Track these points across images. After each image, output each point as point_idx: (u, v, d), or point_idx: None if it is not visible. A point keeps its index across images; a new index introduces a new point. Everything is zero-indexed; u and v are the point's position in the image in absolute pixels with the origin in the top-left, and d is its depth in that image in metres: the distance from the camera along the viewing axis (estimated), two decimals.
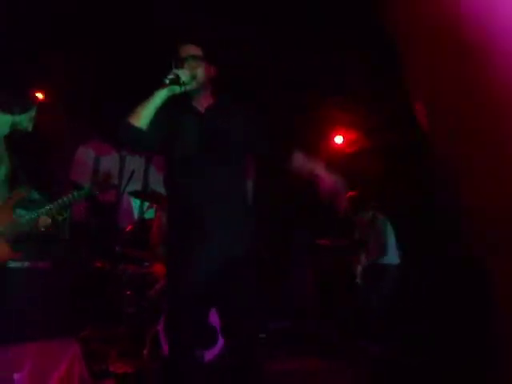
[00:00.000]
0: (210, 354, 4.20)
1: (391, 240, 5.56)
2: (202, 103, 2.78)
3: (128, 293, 4.82)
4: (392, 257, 5.52)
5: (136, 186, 7.07)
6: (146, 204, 6.36)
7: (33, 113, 2.72)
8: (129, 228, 5.57)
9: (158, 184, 7.45)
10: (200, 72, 2.68)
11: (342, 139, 7.15)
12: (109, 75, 6.06)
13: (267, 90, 5.97)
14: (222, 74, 2.80)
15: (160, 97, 2.60)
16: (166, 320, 3.16)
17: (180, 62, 2.63)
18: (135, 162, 7.21)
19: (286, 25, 4.99)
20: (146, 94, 2.59)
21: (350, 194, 5.40)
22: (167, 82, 2.58)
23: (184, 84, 2.61)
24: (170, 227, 2.76)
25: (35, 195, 4.72)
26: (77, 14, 5.03)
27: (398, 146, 6.17)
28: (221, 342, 4.29)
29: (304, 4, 4.72)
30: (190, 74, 2.63)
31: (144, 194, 6.14)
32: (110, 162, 7.24)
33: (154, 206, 5.96)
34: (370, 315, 5.42)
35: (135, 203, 7.08)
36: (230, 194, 2.66)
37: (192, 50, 2.70)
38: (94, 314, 4.62)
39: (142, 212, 6.55)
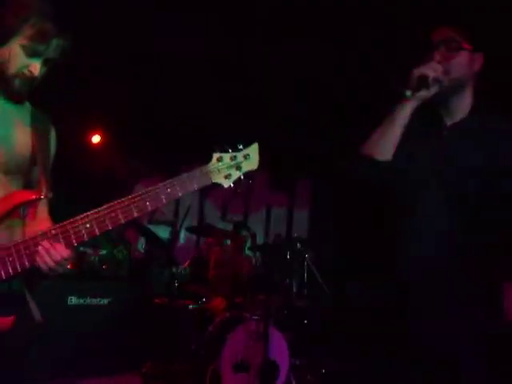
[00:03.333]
0: None
1: None
2: (455, 112, 1.95)
3: (187, 329, 4.83)
4: None
5: (192, 221, 7.18)
6: (203, 239, 6.44)
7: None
8: (186, 263, 5.63)
9: (213, 218, 7.53)
10: (457, 64, 1.86)
11: None
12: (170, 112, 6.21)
13: None
14: (487, 69, 1.92)
15: (403, 115, 1.86)
16: None
17: (429, 52, 1.88)
18: (190, 197, 7.31)
19: None
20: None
21: None
22: (411, 88, 1.82)
23: (437, 84, 1.83)
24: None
25: None
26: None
27: None
28: (282, 377, 4.22)
29: None
30: (444, 68, 1.83)
31: (200, 229, 6.20)
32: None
33: (210, 240, 6.02)
34: None
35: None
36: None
37: (445, 31, 1.90)
38: (154, 349, 4.64)
39: (198, 247, 6.61)
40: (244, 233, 6.06)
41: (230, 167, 1.80)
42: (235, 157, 1.81)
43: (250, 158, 1.84)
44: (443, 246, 1.86)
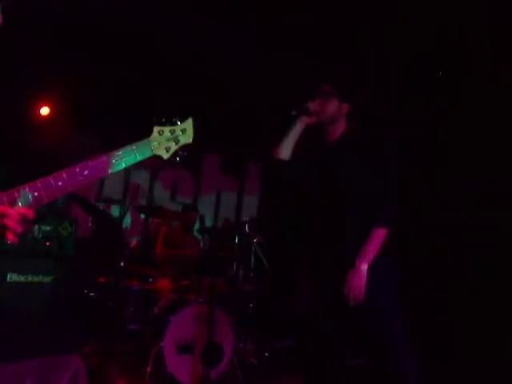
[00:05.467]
0: (215, 372, 4.16)
1: None
2: (330, 136, 2.86)
3: (131, 309, 4.79)
4: None
5: (141, 201, 7.09)
6: (151, 220, 6.37)
7: None
8: (134, 244, 5.56)
9: (162, 199, 7.46)
10: (328, 107, 2.79)
11: None
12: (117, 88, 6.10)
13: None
14: (355, 110, 2.87)
15: (296, 127, 2.81)
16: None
17: (312, 96, 2.81)
18: (140, 177, 7.22)
19: None
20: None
21: None
22: (296, 112, 2.79)
23: (313, 115, 2.78)
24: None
25: (40, 208, 4.72)
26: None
27: None
28: (225, 360, 4.25)
29: None
30: (321, 108, 2.78)
31: (148, 209, 6.13)
32: (115, 176, 7.24)
33: (159, 221, 5.97)
34: None
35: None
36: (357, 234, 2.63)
37: (325, 86, 2.83)
38: (97, 330, 4.58)
39: (147, 227, 6.54)
40: (192, 214, 6.05)
41: (169, 140, 1.92)
42: (174, 130, 1.94)
43: (186, 131, 1.97)
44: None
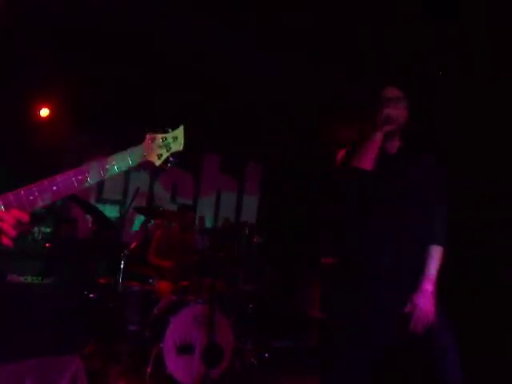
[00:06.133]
0: (215, 373, 4.16)
1: None
2: (393, 146, 2.76)
3: (131, 310, 4.79)
4: None
5: (141, 202, 7.09)
6: (152, 221, 6.37)
7: None
8: (133, 245, 5.56)
9: (162, 200, 7.46)
10: (401, 114, 2.67)
11: None
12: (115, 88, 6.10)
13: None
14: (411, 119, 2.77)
15: (378, 138, 2.61)
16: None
17: (386, 102, 2.63)
18: (140, 178, 7.21)
19: None
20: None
21: None
22: (381, 121, 2.59)
23: (393, 123, 2.62)
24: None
25: (39, 210, 4.72)
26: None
27: None
28: (225, 360, 4.25)
29: None
30: (396, 115, 2.62)
31: (149, 210, 6.12)
32: (114, 177, 7.23)
33: (159, 222, 5.97)
34: None
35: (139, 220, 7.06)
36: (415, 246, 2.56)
37: (396, 92, 2.70)
38: (97, 330, 4.58)
39: (146, 228, 6.54)
40: (189, 214, 6.06)
41: (161, 147, 1.98)
42: (165, 138, 2.00)
43: (178, 139, 2.03)
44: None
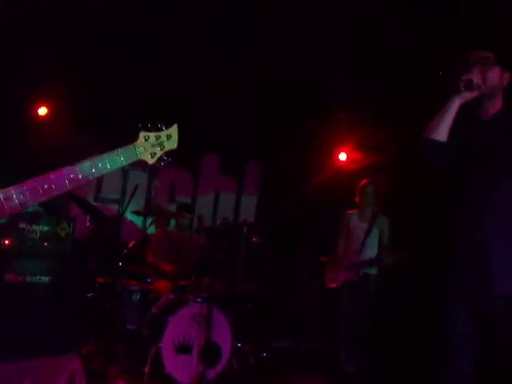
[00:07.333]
0: (213, 372, 4.16)
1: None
2: (489, 112, 2.56)
3: (130, 309, 4.79)
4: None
5: (139, 200, 7.08)
6: (150, 219, 6.36)
7: None
8: (132, 244, 5.55)
9: (161, 199, 7.46)
10: (491, 76, 2.46)
11: (345, 157, 7.15)
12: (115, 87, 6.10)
13: None
14: None
15: (455, 105, 2.47)
16: None
17: (471, 65, 2.47)
18: (138, 177, 7.20)
19: None
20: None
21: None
22: (462, 87, 2.43)
23: (476, 89, 2.43)
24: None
25: (36, 207, 4.71)
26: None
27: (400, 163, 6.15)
28: (224, 360, 4.24)
29: None
30: (482, 78, 2.43)
31: (147, 210, 6.12)
32: (113, 176, 7.23)
33: (156, 221, 5.96)
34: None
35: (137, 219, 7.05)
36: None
37: (483, 53, 2.53)
38: (95, 330, 4.58)
39: (145, 227, 6.54)
40: (188, 213, 6.06)
41: (155, 146, 1.96)
42: (159, 136, 1.97)
43: (172, 138, 1.99)
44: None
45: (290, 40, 5.08)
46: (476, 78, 2.42)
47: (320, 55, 5.19)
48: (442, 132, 2.48)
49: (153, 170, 7.45)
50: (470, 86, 2.42)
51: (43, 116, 6.55)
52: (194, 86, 5.98)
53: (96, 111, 6.34)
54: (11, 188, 1.64)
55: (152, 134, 1.95)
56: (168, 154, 1.99)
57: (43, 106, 6.53)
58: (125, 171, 7.23)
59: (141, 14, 4.89)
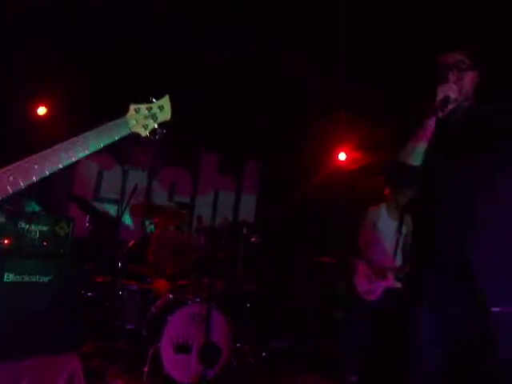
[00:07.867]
0: (212, 372, 4.16)
1: None
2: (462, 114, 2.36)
3: (129, 309, 4.78)
4: None
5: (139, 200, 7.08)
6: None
7: None
8: (131, 243, 5.55)
9: (160, 199, 7.45)
10: (467, 82, 2.29)
11: (345, 156, 7.16)
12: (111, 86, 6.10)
13: None
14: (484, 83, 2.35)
15: (431, 128, 2.28)
16: None
17: (446, 71, 2.27)
18: (138, 177, 7.21)
19: None
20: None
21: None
22: (438, 109, 2.22)
23: (453, 102, 2.22)
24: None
25: (35, 207, 4.70)
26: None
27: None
28: (223, 359, 4.24)
29: None
30: (458, 89, 2.22)
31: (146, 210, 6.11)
32: (112, 176, 7.24)
33: (157, 220, 5.95)
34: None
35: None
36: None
37: (458, 55, 2.32)
38: (95, 329, 4.57)
39: (144, 227, 6.53)
40: (186, 212, 6.05)
41: (147, 117, 1.90)
42: (151, 108, 1.92)
43: (164, 109, 1.94)
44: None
45: (289, 40, 5.08)
46: (453, 93, 2.23)
47: (320, 55, 5.18)
48: (416, 156, 2.32)
49: (152, 170, 7.45)
50: (446, 103, 2.23)
51: (42, 116, 6.55)
52: (194, 86, 5.98)
53: (96, 111, 6.33)
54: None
55: (143, 106, 1.90)
56: (162, 125, 1.93)
57: (42, 105, 6.52)
58: (124, 170, 7.23)
59: (141, 14, 4.89)
